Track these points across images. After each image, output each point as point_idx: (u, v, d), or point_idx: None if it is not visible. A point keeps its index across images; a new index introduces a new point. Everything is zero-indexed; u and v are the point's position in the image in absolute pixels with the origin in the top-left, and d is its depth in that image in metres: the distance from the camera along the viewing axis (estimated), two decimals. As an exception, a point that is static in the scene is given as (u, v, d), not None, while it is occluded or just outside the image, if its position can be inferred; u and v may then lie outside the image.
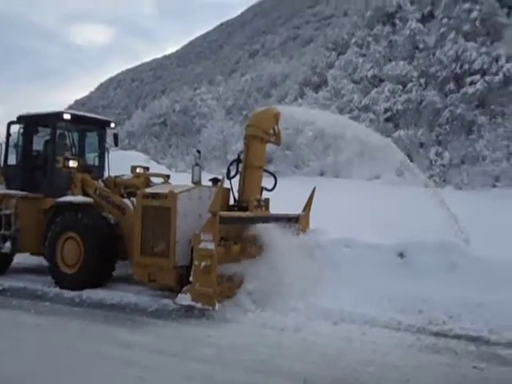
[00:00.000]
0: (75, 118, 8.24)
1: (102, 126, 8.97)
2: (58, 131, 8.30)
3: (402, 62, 28.37)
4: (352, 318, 5.28)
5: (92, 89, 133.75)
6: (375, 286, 5.76)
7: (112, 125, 8.96)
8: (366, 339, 4.72)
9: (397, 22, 32.79)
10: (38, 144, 8.62)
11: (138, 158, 23.23)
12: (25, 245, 7.98)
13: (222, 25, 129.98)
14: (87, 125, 8.86)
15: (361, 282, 5.83)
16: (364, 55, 32.77)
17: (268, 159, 27.64)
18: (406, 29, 29.99)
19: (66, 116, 8.00)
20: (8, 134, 8.52)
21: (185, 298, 5.78)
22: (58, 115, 8.03)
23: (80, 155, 8.65)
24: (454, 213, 6.59)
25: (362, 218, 9.88)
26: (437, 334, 4.89)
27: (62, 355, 4.34)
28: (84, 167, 8.01)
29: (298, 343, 4.64)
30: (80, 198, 7.47)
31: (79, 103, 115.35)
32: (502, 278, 5.55)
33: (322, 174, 24.78)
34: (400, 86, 27.40)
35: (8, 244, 7.89)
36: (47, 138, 8.40)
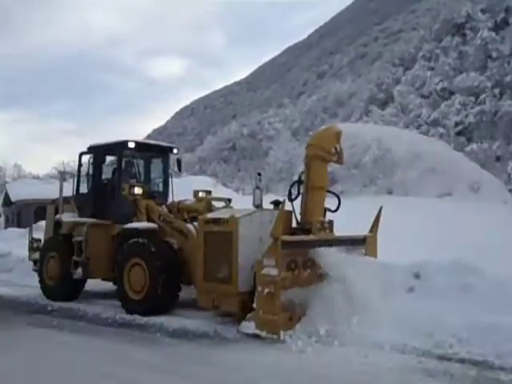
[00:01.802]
0: (139, 146, 8.50)
1: (165, 152, 9.17)
2: (124, 159, 8.62)
3: (473, 73, 26.96)
4: (359, 340, 5.22)
5: (168, 118, 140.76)
6: (388, 308, 5.65)
7: (175, 151, 9.14)
8: (365, 361, 4.71)
9: (467, 32, 31.38)
10: (107, 172, 8.97)
11: (205, 183, 23.77)
12: (95, 271, 8.24)
13: (289, 48, 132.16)
14: (151, 152, 9.11)
15: (374, 304, 5.69)
16: (432, 68, 31.60)
17: (334, 179, 27.15)
18: (477, 38, 28.58)
19: (131, 144, 8.26)
20: (79, 164, 8.98)
21: (248, 326, 5.66)
22: (123, 144, 8.32)
23: (145, 182, 8.90)
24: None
25: (420, 238, 9.61)
26: (441, 358, 4.79)
27: (66, 369, 4.74)
28: (149, 193, 8.18)
29: (294, 364, 4.70)
30: (144, 225, 7.60)
31: (156, 132, 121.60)
32: None
33: (390, 193, 23.82)
34: (472, 98, 25.97)
35: (79, 270, 8.18)
36: (115, 166, 8.71)
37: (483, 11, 31.64)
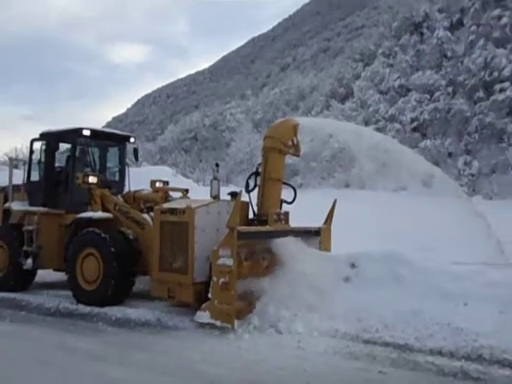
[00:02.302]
0: (95, 134, 8.30)
1: (121, 141, 9.00)
2: (79, 147, 8.38)
3: (429, 71, 27.86)
4: (294, 327, 5.44)
5: (129, 105, 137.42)
6: (325, 296, 5.91)
7: (132, 139, 8.97)
8: (298, 347, 4.98)
9: (424, 31, 32.31)
10: (60, 160, 8.71)
11: (164, 173, 23.45)
12: (47, 261, 8.02)
13: (253, 39, 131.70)
14: (107, 140, 8.90)
15: (314, 293, 5.92)
16: (391, 65, 32.40)
17: (294, 171, 27.49)
18: (434, 37, 29.49)
19: (86, 132, 8.05)
20: (31, 151, 8.66)
21: (203, 316, 5.67)
22: (77, 131, 8.09)
23: (100, 171, 8.71)
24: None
25: (372, 229, 10.11)
26: (367, 342, 5.13)
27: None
28: (104, 183, 8.02)
29: (230, 350, 4.93)
30: (99, 214, 7.45)
31: (116, 120, 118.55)
32: (440, 288, 5.76)
33: (347, 186, 24.44)
34: (427, 96, 26.87)
35: (29, 260, 7.93)
36: (69, 154, 8.48)
37: (440, 11, 32.63)
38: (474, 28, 27.62)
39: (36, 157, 8.61)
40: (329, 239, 7.42)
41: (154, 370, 4.35)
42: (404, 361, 4.60)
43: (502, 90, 22.90)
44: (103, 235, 7.00)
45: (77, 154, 8.34)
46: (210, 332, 5.48)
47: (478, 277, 5.84)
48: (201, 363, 4.52)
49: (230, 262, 5.47)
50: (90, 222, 7.33)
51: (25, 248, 7.99)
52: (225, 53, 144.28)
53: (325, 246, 7.29)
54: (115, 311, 6.51)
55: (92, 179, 7.64)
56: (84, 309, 6.75)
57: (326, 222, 7.48)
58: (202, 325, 5.64)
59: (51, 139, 8.40)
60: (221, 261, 5.53)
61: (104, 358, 4.67)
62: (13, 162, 9.20)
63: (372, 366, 4.44)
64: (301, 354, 4.76)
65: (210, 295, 5.63)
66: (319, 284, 5.99)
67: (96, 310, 6.64)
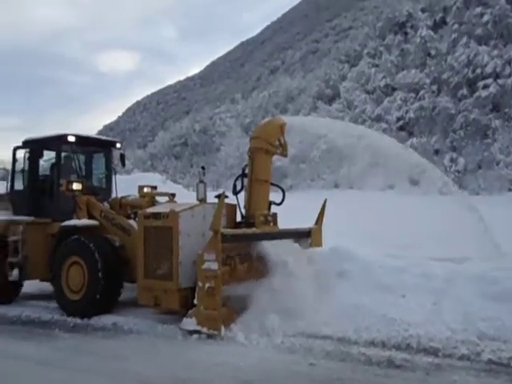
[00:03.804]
0: (80, 140, 8.19)
1: (107, 146, 8.91)
2: (63, 154, 8.27)
3: (413, 70, 28.07)
4: (246, 325, 5.52)
5: (120, 113, 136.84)
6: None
7: (118, 145, 8.89)
8: (242, 343, 5.14)
9: (408, 30, 32.60)
10: (45, 168, 8.60)
11: (155, 180, 23.26)
12: (33, 272, 7.86)
13: (242, 43, 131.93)
14: (93, 146, 8.82)
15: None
16: (376, 65, 32.62)
17: (284, 174, 27.50)
18: (417, 37, 29.74)
19: (71, 138, 7.95)
20: (14, 160, 8.52)
21: (190, 323, 5.58)
22: (62, 138, 7.98)
23: (86, 177, 8.61)
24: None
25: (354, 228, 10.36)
26: (308, 336, 5.24)
27: None
28: (89, 189, 7.92)
29: (173, 350, 5.10)
30: (84, 222, 7.34)
31: (107, 128, 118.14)
32: (380, 281, 5.90)
33: (336, 186, 24.51)
34: (412, 94, 27.07)
35: (16, 271, 7.77)
36: (53, 161, 8.37)
37: (423, 10, 32.95)
38: (456, 26, 27.88)
39: (19, 165, 8.50)
40: (320, 240, 7.36)
41: (94, 372, 4.45)
42: (338, 352, 4.73)
43: (485, 87, 23.09)
44: (88, 243, 6.90)
45: (62, 161, 8.24)
46: (162, 334, 5.65)
47: (415, 269, 5.99)
48: (141, 364, 4.62)
49: (215, 266, 5.41)
50: (75, 229, 7.23)
51: (10, 259, 7.85)
52: (214, 58, 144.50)
53: (316, 247, 7.23)
54: (76, 318, 6.64)
55: (76, 186, 7.53)
56: (45, 316, 6.86)
57: (316, 223, 7.42)
58: (154, 327, 5.81)
59: (35, 147, 8.28)
60: (206, 265, 5.46)
61: (48, 363, 4.75)
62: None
63: (304, 359, 4.57)
64: (243, 351, 4.90)
65: (195, 301, 5.57)
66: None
67: (56, 317, 6.76)
